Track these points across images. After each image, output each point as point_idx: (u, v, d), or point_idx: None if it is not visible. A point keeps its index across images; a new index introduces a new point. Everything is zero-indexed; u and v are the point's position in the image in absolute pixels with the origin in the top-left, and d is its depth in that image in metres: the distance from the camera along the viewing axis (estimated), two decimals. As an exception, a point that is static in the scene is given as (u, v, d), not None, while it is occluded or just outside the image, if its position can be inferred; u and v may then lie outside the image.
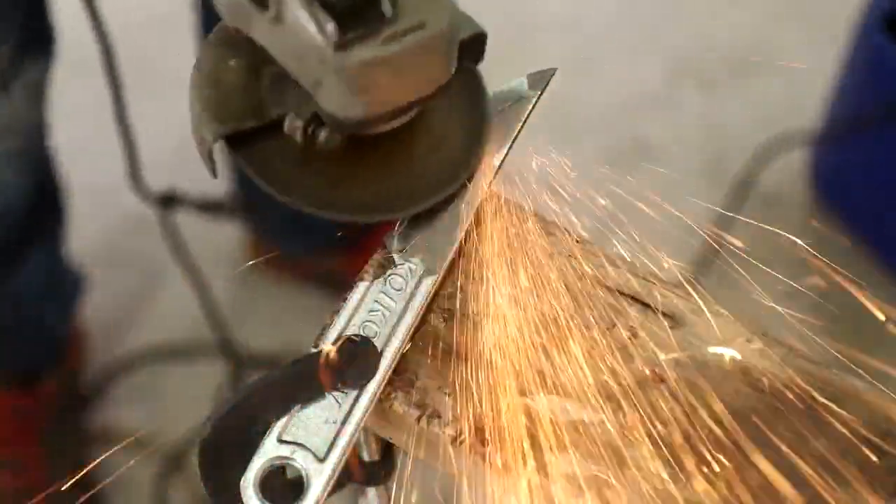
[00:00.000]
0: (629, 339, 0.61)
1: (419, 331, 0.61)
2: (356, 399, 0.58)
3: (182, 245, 1.47)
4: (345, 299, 0.60)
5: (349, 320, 0.60)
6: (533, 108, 0.67)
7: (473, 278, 0.63)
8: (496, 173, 0.66)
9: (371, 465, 0.66)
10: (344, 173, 0.59)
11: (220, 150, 0.59)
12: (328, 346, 0.58)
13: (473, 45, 0.60)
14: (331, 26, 0.51)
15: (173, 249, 1.47)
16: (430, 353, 0.60)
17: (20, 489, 1.57)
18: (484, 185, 0.65)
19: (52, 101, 1.38)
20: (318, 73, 0.53)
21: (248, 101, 0.59)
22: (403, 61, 0.53)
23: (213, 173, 0.59)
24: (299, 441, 0.57)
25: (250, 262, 1.83)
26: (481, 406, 0.58)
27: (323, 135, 0.58)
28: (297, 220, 0.76)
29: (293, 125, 0.58)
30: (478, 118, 0.63)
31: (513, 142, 0.66)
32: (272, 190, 0.58)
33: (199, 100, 0.58)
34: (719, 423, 0.58)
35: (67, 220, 1.58)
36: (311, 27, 0.52)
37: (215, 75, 0.59)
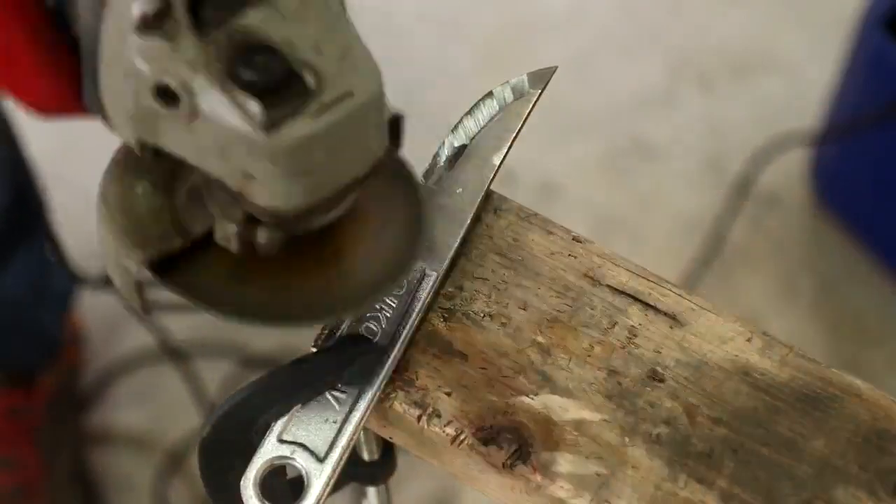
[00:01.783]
0: (629, 339, 0.61)
1: (419, 331, 0.61)
2: (356, 399, 0.58)
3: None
4: (345, 299, 0.60)
5: (349, 320, 0.60)
6: (533, 106, 0.67)
7: (473, 278, 0.63)
8: (496, 172, 0.66)
9: (371, 465, 0.66)
10: (287, 276, 0.54)
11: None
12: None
13: (391, 129, 0.53)
14: (255, 106, 0.46)
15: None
16: (430, 353, 0.60)
17: (16, 489, 1.57)
18: (484, 184, 0.65)
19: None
20: (246, 164, 0.48)
21: (166, 223, 0.53)
22: (338, 133, 0.48)
23: (145, 309, 0.53)
24: (299, 441, 0.58)
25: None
26: (481, 406, 0.58)
27: (262, 235, 0.52)
28: None
29: (226, 233, 0.52)
30: (412, 201, 0.58)
31: (513, 140, 0.66)
32: (217, 312, 0.53)
33: (112, 232, 0.52)
34: (719, 422, 0.58)
35: (50, 221, 1.59)
36: (233, 113, 0.46)
37: (124, 205, 0.53)
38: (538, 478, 0.56)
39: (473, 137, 0.67)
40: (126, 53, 0.48)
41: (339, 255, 0.56)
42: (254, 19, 0.48)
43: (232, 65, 0.47)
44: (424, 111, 1.57)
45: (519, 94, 0.68)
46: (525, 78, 0.68)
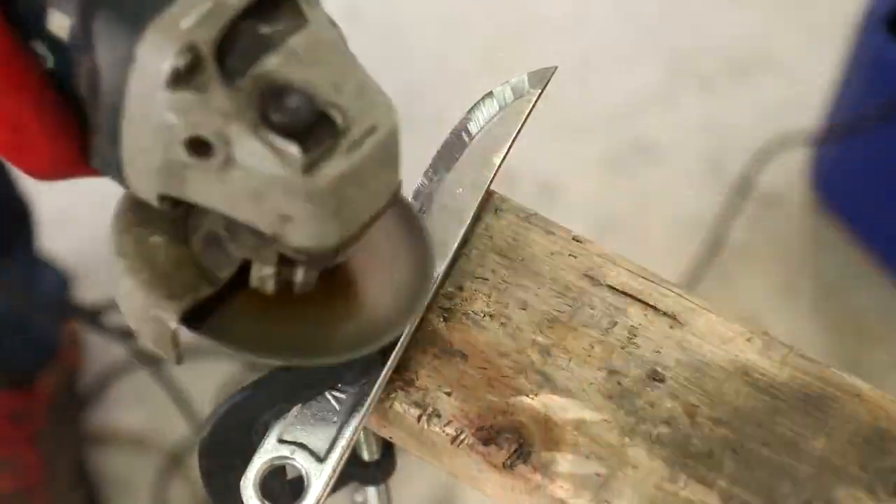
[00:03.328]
0: (629, 339, 0.61)
1: (419, 331, 0.61)
2: (356, 399, 0.58)
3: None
4: (345, 299, 0.60)
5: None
6: (533, 106, 0.67)
7: (473, 278, 0.63)
8: (496, 172, 0.66)
9: (371, 465, 0.66)
10: (315, 311, 0.55)
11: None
12: None
13: None
14: (293, 149, 0.47)
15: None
16: (430, 353, 0.60)
17: (16, 491, 1.57)
18: (484, 184, 0.65)
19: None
20: (283, 207, 0.48)
21: (192, 272, 0.53)
22: (367, 167, 0.49)
23: (179, 359, 0.53)
24: (299, 441, 0.58)
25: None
26: (481, 406, 0.58)
27: (300, 275, 0.53)
28: None
29: (262, 276, 0.53)
30: (416, 231, 0.59)
31: (513, 141, 0.66)
32: (258, 355, 0.53)
33: (140, 286, 0.52)
34: (719, 422, 0.58)
35: (36, 224, 1.59)
36: (270, 158, 0.47)
37: (144, 257, 0.53)
38: (538, 478, 0.56)
39: (473, 137, 0.67)
40: (156, 109, 0.48)
41: (353, 287, 0.57)
42: (273, 65, 0.48)
43: (263, 110, 0.48)
44: (424, 111, 1.57)
45: (519, 94, 0.68)
46: (525, 78, 0.68)
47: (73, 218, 1.77)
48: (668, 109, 2.05)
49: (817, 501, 0.55)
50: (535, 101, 0.67)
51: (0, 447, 1.60)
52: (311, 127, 0.48)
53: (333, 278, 0.56)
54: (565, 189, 1.92)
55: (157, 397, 1.61)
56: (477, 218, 0.65)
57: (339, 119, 0.48)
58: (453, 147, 0.66)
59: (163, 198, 0.51)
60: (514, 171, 1.88)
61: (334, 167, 0.48)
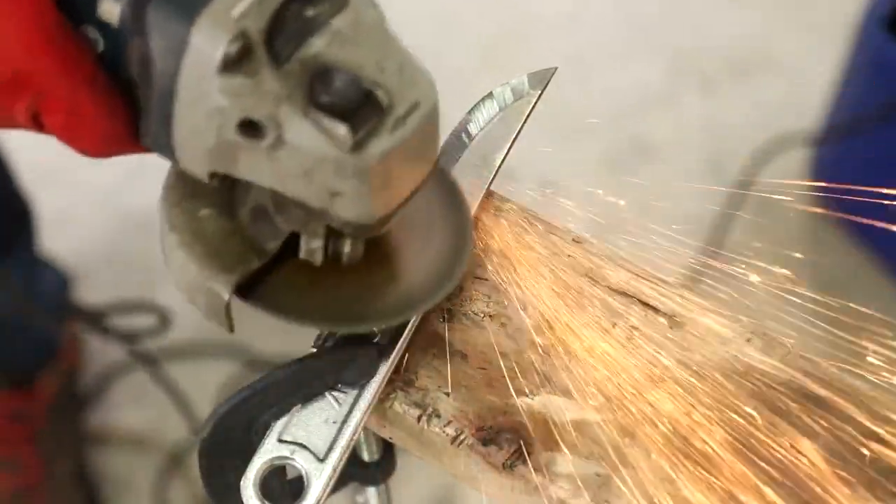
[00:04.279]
0: (629, 339, 0.61)
1: (419, 331, 0.61)
2: (356, 399, 0.58)
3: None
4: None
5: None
6: (533, 107, 0.67)
7: (473, 278, 0.63)
8: (496, 172, 0.66)
9: (371, 465, 0.66)
10: (358, 280, 0.57)
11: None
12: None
13: None
14: (342, 129, 0.49)
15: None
16: (430, 353, 0.60)
17: (17, 491, 1.57)
18: (484, 184, 0.65)
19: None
20: (332, 184, 0.50)
21: (241, 244, 0.55)
22: (412, 143, 0.51)
23: (231, 328, 0.55)
24: (299, 441, 0.58)
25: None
26: (481, 406, 0.58)
27: (347, 248, 0.56)
28: None
29: (311, 248, 0.55)
30: (453, 197, 0.61)
31: (513, 141, 0.66)
32: (307, 323, 0.56)
33: (192, 258, 0.54)
34: (719, 422, 0.58)
35: (36, 224, 1.59)
36: (320, 138, 0.49)
37: (194, 230, 0.55)
38: (538, 478, 0.56)
39: (473, 138, 0.67)
40: (209, 94, 0.49)
41: (396, 256, 0.59)
42: (319, 47, 0.50)
43: (311, 92, 0.49)
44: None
45: (519, 95, 0.68)
46: (525, 79, 0.68)
47: (73, 218, 1.77)
48: (668, 109, 2.05)
49: (817, 502, 0.55)
50: (535, 102, 0.67)
51: (0, 447, 1.60)
52: (358, 106, 0.49)
53: (377, 248, 0.57)
54: (565, 189, 1.91)
55: (157, 397, 1.61)
56: (477, 218, 0.65)
57: (383, 98, 0.50)
58: (453, 147, 0.67)
59: (213, 175, 0.53)
60: (514, 171, 1.88)
61: (381, 145, 0.50)
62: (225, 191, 0.55)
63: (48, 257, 1.65)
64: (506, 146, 0.66)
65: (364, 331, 0.58)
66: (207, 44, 0.48)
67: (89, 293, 1.71)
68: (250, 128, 0.50)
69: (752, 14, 2.16)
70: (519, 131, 0.67)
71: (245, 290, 0.54)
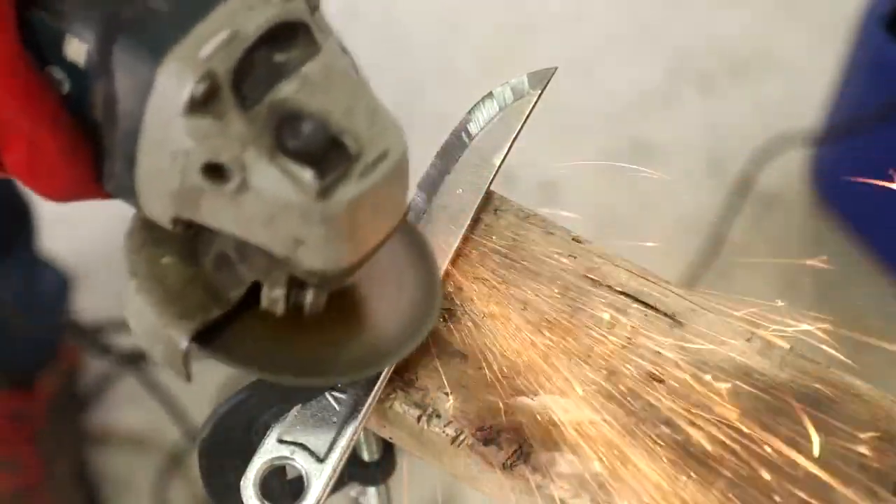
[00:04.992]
0: (629, 339, 0.61)
1: (419, 331, 0.61)
2: (356, 399, 0.58)
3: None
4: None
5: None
6: (533, 107, 0.67)
7: (473, 278, 0.63)
8: (496, 172, 0.66)
9: (371, 466, 0.66)
10: (322, 331, 0.56)
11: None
12: None
13: None
14: (309, 175, 0.48)
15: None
16: (429, 353, 0.60)
17: (17, 491, 1.57)
18: (484, 184, 0.65)
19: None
20: (297, 231, 0.49)
21: (202, 292, 0.54)
22: (380, 191, 0.50)
23: (188, 377, 0.54)
24: (299, 441, 0.58)
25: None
26: (481, 406, 0.58)
27: (309, 298, 0.54)
28: None
29: (273, 297, 0.54)
30: (420, 249, 0.60)
31: (513, 141, 0.66)
32: (264, 374, 0.54)
33: (152, 305, 0.53)
34: (719, 423, 0.58)
35: (36, 224, 1.59)
36: (286, 182, 0.48)
37: (155, 276, 0.54)
38: (538, 478, 0.56)
39: (473, 138, 0.67)
40: (174, 135, 0.49)
41: (361, 308, 0.57)
42: (288, 92, 0.49)
43: (278, 136, 0.48)
44: (424, 111, 1.57)
45: (519, 95, 0.68)
46: (525, 79, 0.68)
47: (73, 218, 1.77)
48: (668, 109, 2.05)
49: (817, 501, 0.55)
50: (535, 102, 0.67)
51: (0, 447, 1.60)
52: (325, 152, 0.48)
53: (341, 299, 0.56)
54: (565, 189, 1.92)
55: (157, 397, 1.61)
56: (477, 218, 0.65)
57: (352, 145, 0.49)
58: (453, 147, 0.67)
59: (176, 220, 0.52)
60: (514, 171, 1.88)
61: (348, 192, 0.49)
62: (188, 239, 0.54)
63: (48, 257, 1.65)
64: (506, 146, 0.66)
65: (321, 385, 0.57)
66: (174, 83, 0.48)
67: (89, 293, 1.71)
68: (215, 171, 0.49)
69: (753, 14, 2.16)
70: (519, 131, 0.67)
71: (205, 339, 0.53)
